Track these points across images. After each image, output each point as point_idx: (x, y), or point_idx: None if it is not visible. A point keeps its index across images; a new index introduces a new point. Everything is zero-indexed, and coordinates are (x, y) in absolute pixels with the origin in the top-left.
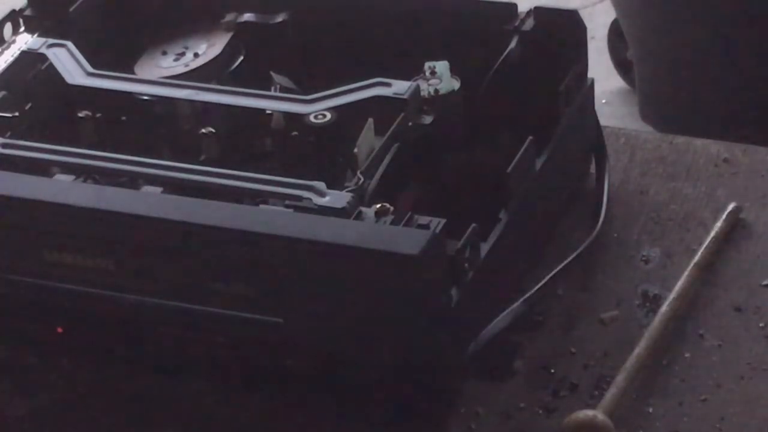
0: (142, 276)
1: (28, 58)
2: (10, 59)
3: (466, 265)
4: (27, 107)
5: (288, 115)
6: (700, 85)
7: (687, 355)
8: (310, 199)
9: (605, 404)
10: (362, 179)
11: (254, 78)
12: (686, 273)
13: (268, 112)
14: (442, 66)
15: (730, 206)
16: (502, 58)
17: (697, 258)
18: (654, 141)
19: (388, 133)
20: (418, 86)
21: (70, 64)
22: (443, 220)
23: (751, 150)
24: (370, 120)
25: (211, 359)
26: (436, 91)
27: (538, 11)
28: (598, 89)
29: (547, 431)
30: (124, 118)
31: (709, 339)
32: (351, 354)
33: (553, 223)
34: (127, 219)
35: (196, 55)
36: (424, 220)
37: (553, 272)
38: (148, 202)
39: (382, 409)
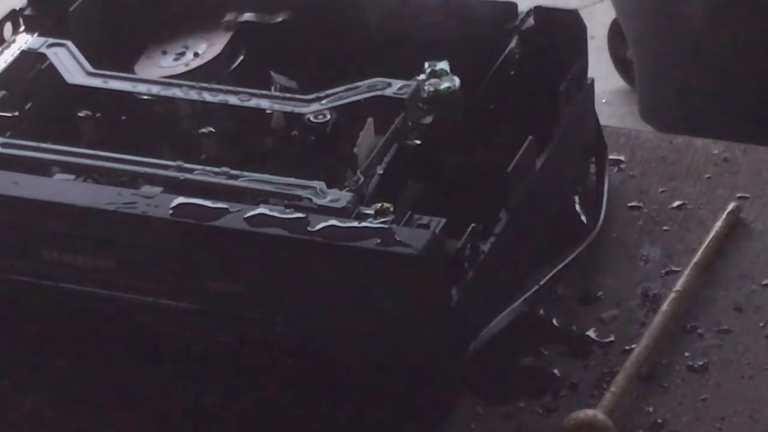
0: (142, 276)
1: (28, 57)
2: (10, 59)
3: (466, 265)
4: (27, 107)
5: (288, 115)
6: (700, 85)
7: (687, 355)
8: (310, 199)
9: (605, 404)
10: (362, 179)
11: (254, 78)
12: (686, 273)
13: (268, 111)
14: (442, 66)
15: (730, 206)
16: (502, 58)
17: (697, 258)
18: (654, 141)
19: (388, 133)
20: (418, 86)
21: (70, 64)
22: (443, 220)
23: (751, 150)
24: (370, 120)
25: (210, 359)
26: (436, 91)
27: (538, 11)
28: (598, 89)
29: (547, 431)
30: (124, 117)
31: (709, 339)
32: (350, 354)
33: (553, 223)
34: (127, 219)
35: (196, 54)
36: (424, 220)
37: (553, 272)
38: (148, 202)
39: (382, 409)
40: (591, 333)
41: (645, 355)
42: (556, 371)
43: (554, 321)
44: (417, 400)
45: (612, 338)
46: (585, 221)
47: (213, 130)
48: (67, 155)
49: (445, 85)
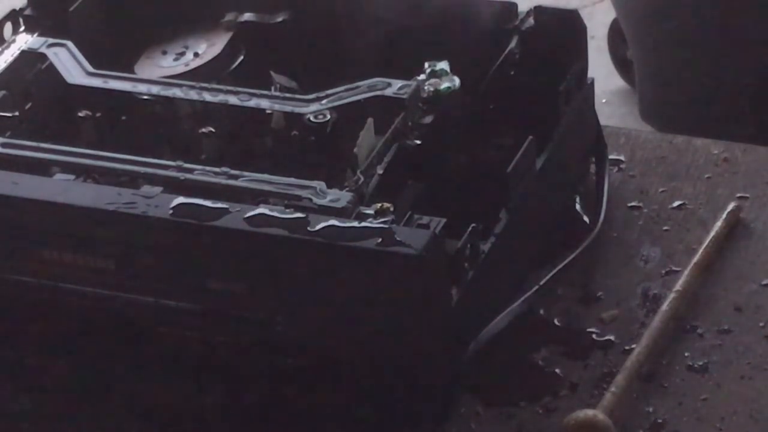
0: (142, 276)
1: (28, 57)
2: (10, 59)
3: (466, 264)
4: (27, 107)
5: (288, 115)
6: (700, 85)
7: (687, 354)
8: (310, 199)
9: (605, 404)
10: (362, 179)
11: (254, 78)
12: (686, 273)
13: (268, 111)
14: (442, 66)
15: (730, 206)
16: (502, 58)
17: (697, 258)
18: (654, 141)
19: (388, 133)
20: (418, 86)
21: (70, 64)
22: (443, 220)
23: (751, 150)
24: (370, 120)
25: (210, 359)
26: (436, 91)
27: (538, 11)
28: (598, 89)
29: (547, 431)
30: (124, 117)
31: (709, 339)
32: (350, 354)
33: (553, 223)
34: (127, 219)
35: (196, 54)
36: (424, 219)
37: (553, 272)
38: (148, 202)
39: (382, 409)
40: (591, 333)
41: (645, 355)
42: (556, 371)
43: (554, 321)
44: (417, 400)
45: (612, 338)
46: (586, 221)
47: (213, 130)
48: (67, 155)
49: (445, 85)
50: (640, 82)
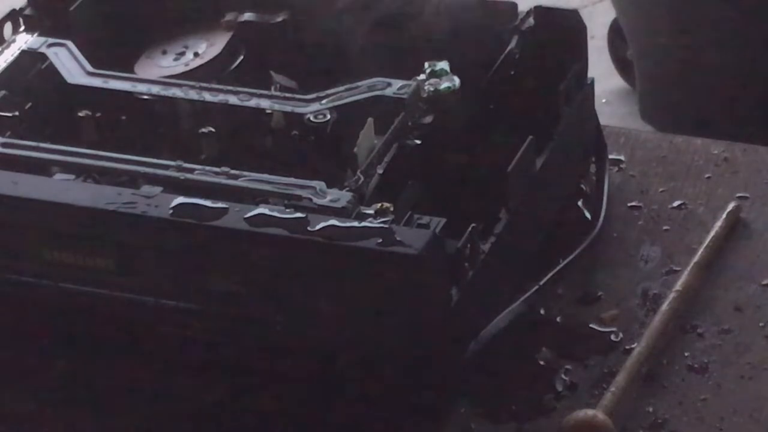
0: (142, 276)
1: (28, 57)
2: (10, 59)
3: (466, 264)
4: (27, 107)
5: (288, 115)
6: (700, 85)
7: (687, 354)
8: (310, 199)
9: (605, 404)
10: (362, 179)
11: (254, 78)
12: (686, 272)
13: (268, 111)
14: (442, 66)
15: (730, 206)
16: (502, 58)
17: (697, 257)
18: (654, 141)
19: (388, 133)
20: (418, 86)
21: (70, 64)
22: (443, 220)
23: (751, 150)
24: (370, 120)
25: (211, 359)
26: (436, 90)
27: (538, 11)
28: (598, 89)
29: (547, 431)
30: (124, 117)
31: (709, 339)
32: (350, 354)
33: (553, 223)
34: (127, 219)
35: (196, 54)
36: (424, 219)
37: (553, 272)
38: (148, 202)
39: (382, 409)
40: (591, 333)
41: (645, 355)
42: (556, 371)
43: (554, 321)
44: (417, 400)
45: (612, 338)
46: (588, 218)
47: (213, 130)
48: (67, 155)
49: (445, 85)
50: (640, 82)
